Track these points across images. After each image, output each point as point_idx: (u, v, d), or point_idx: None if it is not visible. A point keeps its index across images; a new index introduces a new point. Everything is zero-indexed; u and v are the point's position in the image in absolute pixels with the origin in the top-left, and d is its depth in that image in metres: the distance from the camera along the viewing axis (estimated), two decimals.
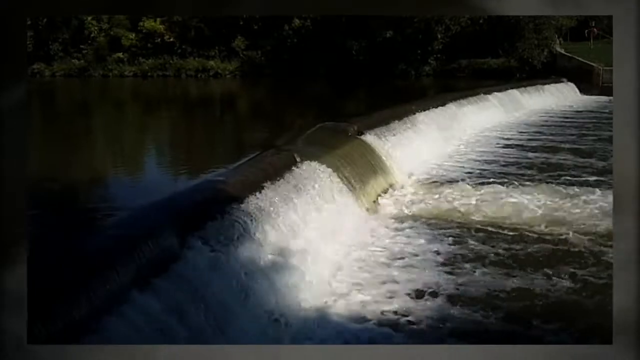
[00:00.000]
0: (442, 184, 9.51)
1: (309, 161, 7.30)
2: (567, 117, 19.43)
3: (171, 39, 39.84)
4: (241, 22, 37.57)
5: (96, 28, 40.82)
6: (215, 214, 5.00)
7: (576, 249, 6.34)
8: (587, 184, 9.27)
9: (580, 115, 19.88)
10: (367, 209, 7.87)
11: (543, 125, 17.34)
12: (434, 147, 12.29)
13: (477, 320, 4.80)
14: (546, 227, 7.10)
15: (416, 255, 6.28)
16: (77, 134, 13.18)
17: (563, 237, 6.73)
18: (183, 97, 27.83)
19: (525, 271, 5.75)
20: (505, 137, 15.01)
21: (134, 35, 40.69)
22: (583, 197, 8.30)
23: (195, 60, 39.18)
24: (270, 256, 5.18)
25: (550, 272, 5.67)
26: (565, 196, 8.39)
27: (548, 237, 6.75)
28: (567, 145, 13.38)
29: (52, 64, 41.66)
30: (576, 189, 8.75)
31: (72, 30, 41.06)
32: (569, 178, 9.76)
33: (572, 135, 15.24)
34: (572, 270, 5.73)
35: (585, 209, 7.80)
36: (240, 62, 37.97)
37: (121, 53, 40.78)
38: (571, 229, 6.96)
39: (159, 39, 40.07)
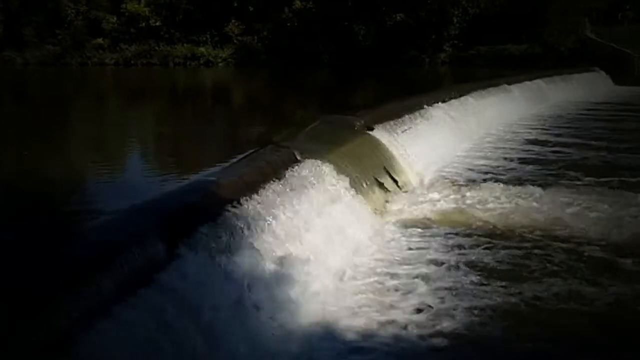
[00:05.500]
0: (459, 184, 9.48)
1: (311, 159, 7.28)
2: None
3: (157, 23, 39.79)
4: (235, 4, 37.55)
5: (73, 11, 40.78)
6: (206, 218, 4.98)
7: None
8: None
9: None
10: (376, 212, 7.85)
11: (573, 119, 17.33)
12: (450, 144, 12.26)
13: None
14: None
15: (430, 264, 6.26)
16: (51, 129, 13.18)
17: None
18: (171, 87, 27.83)
19: None
20: (529, 131, 15.02)
21: (115, 18, 40.67)
22: None
23: (184, 47, 39.13)
24: (268, 265, 5.16)
25: None
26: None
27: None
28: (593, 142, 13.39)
29: (24, 51, 41.61)
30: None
31: (47, 13, 41.02)
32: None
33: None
34: None
35: None
36: (234, 48, 37.96)
37: (101, 39, 40.78)
38: None
39: (144, 23, 40.04)
